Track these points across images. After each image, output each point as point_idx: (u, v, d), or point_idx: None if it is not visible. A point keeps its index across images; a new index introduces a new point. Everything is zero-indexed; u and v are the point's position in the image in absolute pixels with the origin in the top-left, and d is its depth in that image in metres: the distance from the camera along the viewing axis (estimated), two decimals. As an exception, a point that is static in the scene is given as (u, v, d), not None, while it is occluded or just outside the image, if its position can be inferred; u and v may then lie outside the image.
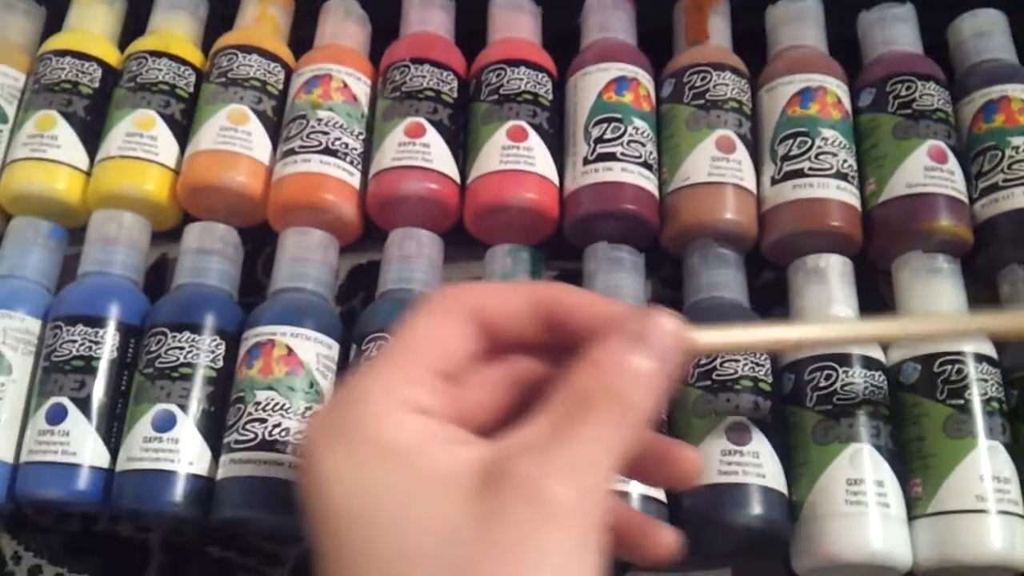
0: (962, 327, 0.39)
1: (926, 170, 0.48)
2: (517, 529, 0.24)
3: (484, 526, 0.24)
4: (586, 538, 0.25)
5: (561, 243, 0.50)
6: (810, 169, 0.48)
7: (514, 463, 0.25)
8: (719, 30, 0.53)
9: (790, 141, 0.49)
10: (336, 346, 0.46)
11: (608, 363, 0.27)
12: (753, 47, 0.53)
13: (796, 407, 0.44)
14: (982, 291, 0.47)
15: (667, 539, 0.31)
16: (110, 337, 0.46)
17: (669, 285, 0.50)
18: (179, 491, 0.43)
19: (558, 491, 0.24)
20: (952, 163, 0.48)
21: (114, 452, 0.44)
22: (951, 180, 0.48)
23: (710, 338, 0.31)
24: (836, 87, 0.50)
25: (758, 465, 0.42)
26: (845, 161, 0.49)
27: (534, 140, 0.49)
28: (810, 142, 0.49)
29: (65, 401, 0.44)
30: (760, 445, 0.42)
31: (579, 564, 0.24)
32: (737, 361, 0.43)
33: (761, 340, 0.35)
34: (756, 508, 0.41)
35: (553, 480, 0.25)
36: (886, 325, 0.37)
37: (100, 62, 0.53)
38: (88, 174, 0.51)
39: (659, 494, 0.42)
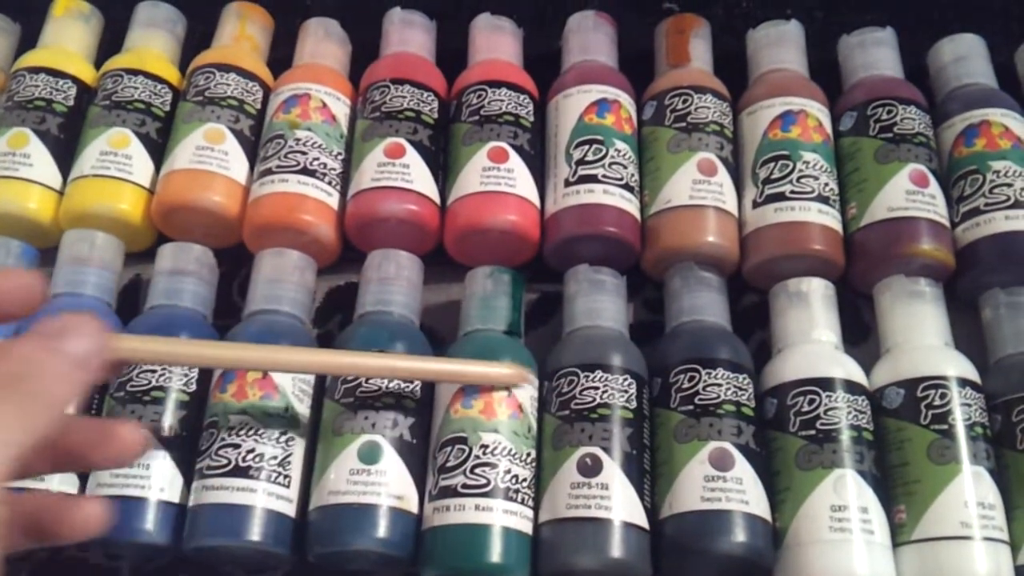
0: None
1: (907, 194, 0.48)
2: None
3: None
4: None
5: (542, 265, 0.50)
6: (791, 192, 0.48)
7: None
8: (700, 53, 0.53)
9: (771, 164, 0.49)
10: (313, 369, 0.45)
11: (19, 352, 0.27)
12: (734, 70, 0.54)
13: (779, 432, 0.43)
14: (964, 315, 0.47)
15: (91, 511, 0.30)
16: (81, 360, 0.44)
17: (651, 308, 0.50)
18: (150, 518, 0.42)
19: None
20: (934, 187, 0.48)
21: (84, 479, 0.43)
22: (933, 204, 0.48)
23: (132, 345, 0.35)
24: (817, 110, 0.50)
25: (741, 491, 0.41)
26: (826, 185, 0.48)
27: (515, 161, 0.49)
28: (791, 165, 0.48)
29: (34, 425, 0.43)
30: (743, 471, 0.42)
31: None
32: (719, 386, 0.43)
33: (182, 354, 0.38)
34: (739, 535, 0.40)
35: None
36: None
37: (75, 79, 0.53)
38: (61, 193, 0.50)
39: (641, 520, 0.41)
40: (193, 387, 0.44)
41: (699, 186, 0.48)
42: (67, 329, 0.28)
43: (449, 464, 0.41)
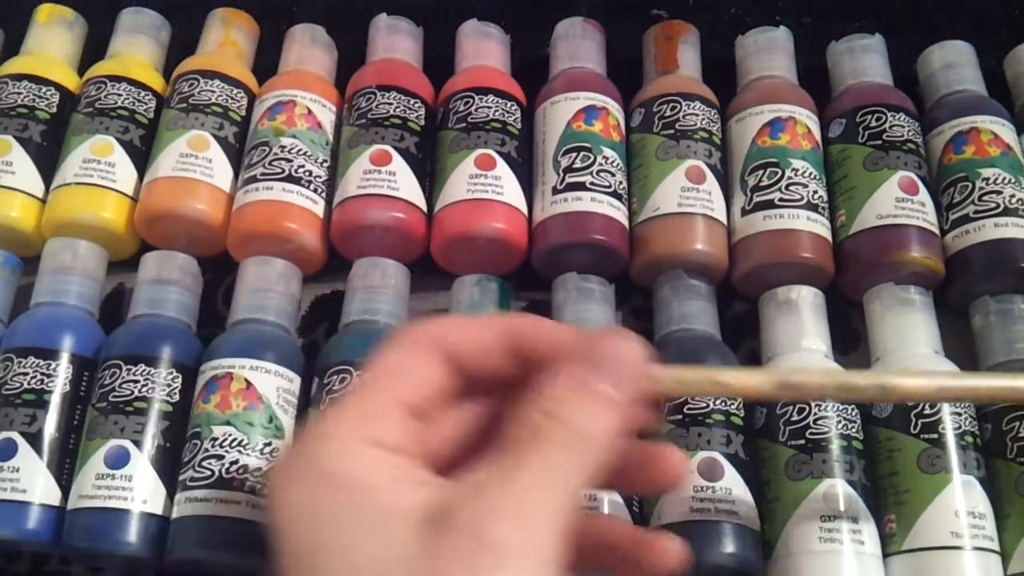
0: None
1: (897, 201, 0.47)
2: (462, 571, 0.23)
3: (430, 567, 0.23)
4: None
5: (530, 273, 0.49)
6: (780, 200, 0.48)
7: (459, 505, 0.24)
8: (689, 60, 0.53)
9: (760, 172, 0.49)
10: (297, 379, 0.44)
11: (557, 392, 0.26)
12: (723, 77, 0.53)
13: (769, 442, 0.43)
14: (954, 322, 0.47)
15: (672, 549, 0.29)
16: (63, 370, 0.44)
17: (639, 316, 0.49)
18: (133, 530, 0.41)
19: (502, 533, 0.23)
20: (923, 194, 0.48)
21: (66, 489, 0.43)
22: (922, 211, 0.48)
23: (672, 375, 0.29)
24: (806, 118, 0.50)
25: (730, 502, 0.41)
26: (815, 192, 0.48)
27: (502, 169, 0.48)
28: (780, 173, 0.48)
29: (15, 436, 0.43)
30: (732, 481, 0.41)
31: None
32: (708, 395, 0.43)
33: (730, 384, 0.31)
34: (729, 546, 0.40)
35: (496, 522, 0.24)
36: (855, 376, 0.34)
37: (58, 86, 0.52)
38: (43, 201, 0.50)
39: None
40: (176, 397, 0.44)
41: (688, 194, 0.48)
42: (599, 355, 0.26)
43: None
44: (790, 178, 0.48)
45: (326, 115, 0.51)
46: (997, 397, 0.39)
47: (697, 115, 0.50)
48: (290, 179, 0.48)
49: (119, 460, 0.42)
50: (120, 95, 0.51)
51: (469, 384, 0.28)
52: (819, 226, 0.48)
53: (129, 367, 0.43)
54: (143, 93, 0.52)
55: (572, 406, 0.25)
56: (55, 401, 0.43)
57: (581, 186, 0.48)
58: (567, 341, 0.28)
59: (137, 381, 0.43)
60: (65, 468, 0.43)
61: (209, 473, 0.41)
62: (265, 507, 0.27)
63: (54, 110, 0.52)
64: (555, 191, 0.48)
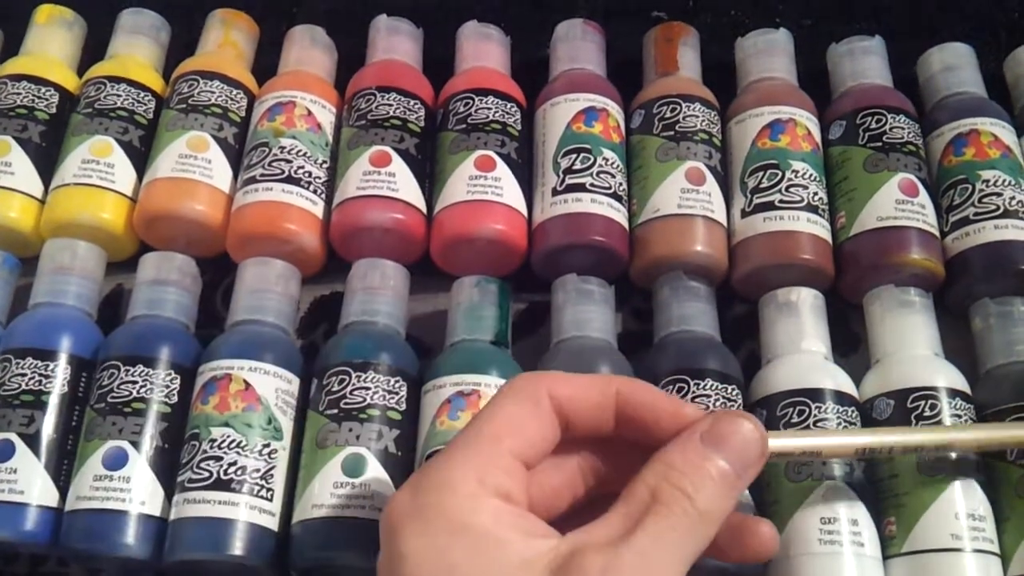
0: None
1: (897, 203, 0.47)
2: None
3: None
4: None
5: (529, 275, 0.49)
6: (780, 202, 0.48)
7: (585, 557, 0.26)
8: (689, 61, 0.53)
9: (760, 173, 0.49)
10: (296, 381, 0.44)
11: (681, 464, 0.28)
12: (723, 78, 0.53)
13: (768, 443, 0.43)
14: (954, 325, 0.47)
15: (767, 534, 0.31)
16: (61, 371, 0.44)
17: (639, 318, 0.49)
18: (131, 532, 0.41)
19: None
20: (923, 196, 0.48)
21: (64, 491, 0.42)
22: (922, 213, 0.47)
23: (785, 443, 0.33)
24: (806, 119, 0.50)
25: (730, 504, 0.41)
26: (815, 194, 0.48)
27: (502, 170, 0.48)
28: (780, 174, 0.48)
29: (13, 437, 0.42)
30: (732, 483, 0.41)
31: None
32: (708, 397, 0.43)
33: (838, 445, 0.36)
34: (728, 548, 0.40)
35: (619, 575, 0.25)
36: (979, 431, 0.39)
37: (57, 87, 0.52)
38: (42, 202, 0.50)
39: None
40: (175, 399, 0.43)
41: (687, 195, 0.48)
42: (725, 435, 0.28)
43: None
44: (790, 180, 0.48)
45: (326, 116, 0.51)
46: None
47: (697, 117, 0.50)
48: (289, 180, 0.48)
49: (117, 461, 0.42)
50: (119, 96, 0.51)
51: (567, 436, 0.31)
52: (819, 228, 0.48)
53: (127, 368, 0.43)
54: (142, 94, 0.52)
55: (697, 484, 0.27)
56: (53, 402, 0.43)
57: (581, 187, 0.48)
58: (684, 413, 0.30)
59: (135, 382, 0.43)
60: (63, 469, 0.43)
61: (207, 474, 0.41)
62: (383, 550, 0.29)
63: (53, 111, 0.51)
64: (555, 192, 0.48)
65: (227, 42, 0.54)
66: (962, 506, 0.41)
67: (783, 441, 0.34)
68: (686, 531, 0.27)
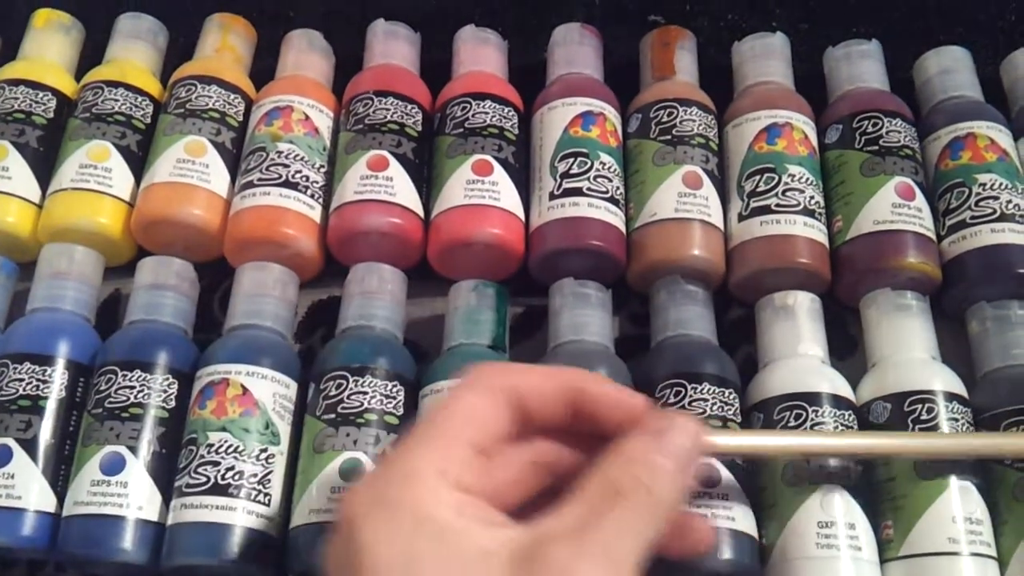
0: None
1: (893, 207, 0.47)
2: None
3: None
4: None
5: (527, 279, 0.49)
6: (777, 206, 0.48)
7: (548, 547, 0.26)
8: (686, 65, 0.53)
9: (757, 177, 0.49)
10: (294, 385, 0.44)
11: (641, 457, 0.29)
12: (720, 82, 0.53)
13: (765, 447, 0.43)
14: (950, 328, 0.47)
15: (704, 531, 0.34)
16: (59, 376, 0.44)
17: (636, 322, 0.49)
18: (128, 537, 0.41)
19: (589, 573, 0.26)
20: (920, 200, 0.48)
21: (61, 496, 0.42)
22: (919, 217, 0.48)
23: (727, 441, 0.36)
24: (803, 123, 0.50)
25: (727, 507, 0.41)
26: (812, 198, 0.48)
27: (499, 174, 0.48)
28: (777, 178, 0.48)
29: (10, 442, 0.42)
30: (729, 487, 0.41)
31: None
32: (705, 400, 0.43)
33: (781, 446, 0.38)
34: (725, 552, 0.40)
35: (585, 564, 0.26)
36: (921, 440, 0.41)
37: (55, 92, 0.52)
38: (40, 207, 0.50)
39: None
40: (172, 403, 0.43)
41: (685, 199, 0.48)
42: (668, 431, 0.30)
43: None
44: (787, 184, 0.48)
45: (323, 120, 0.51)
46: None
47: (694, 121, 0.50)
48: (287, 184, 0.48)
49: (115, 466, 0.42)
50: (117, 100, 0.51)
51: (523, 428, 0.31)
52: (816, 232, 0.48)
53: (125, 373, 0.43)
54: (140, 98, 0.52)
55: (654, 477, 0.29)
56: (51, 407, 0.43)
57: (578, 192, 0.48)
58: (637, 409, 0.31)
59: (133, 387, 0.43)
60: (60, 474, 0.43)
61: (205, 479, 0.41)
62: (337, 543, 0.29)
63: (51, 115, 0.52)
64: (552, 197, 0.48)
65: (225, 46, 0.54)
66: (959, 509, 0.41)
67: (725, 439, 0.37)
68: (646, 522, 0.28)
